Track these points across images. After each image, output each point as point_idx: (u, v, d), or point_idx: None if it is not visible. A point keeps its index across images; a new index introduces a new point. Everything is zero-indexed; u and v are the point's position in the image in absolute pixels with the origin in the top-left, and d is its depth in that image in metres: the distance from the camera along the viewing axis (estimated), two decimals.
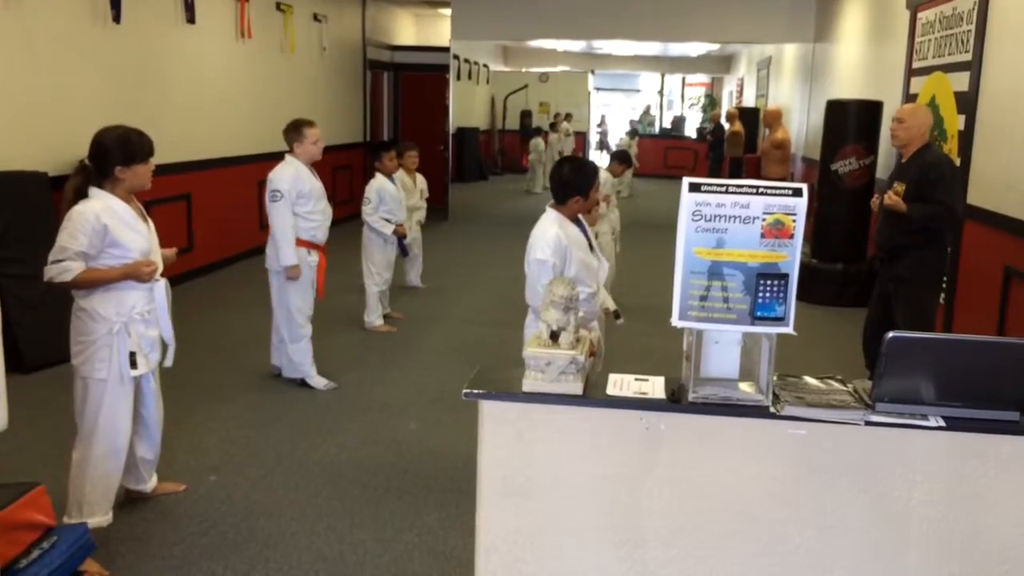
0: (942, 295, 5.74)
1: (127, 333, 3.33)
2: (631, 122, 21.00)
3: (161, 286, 3.44)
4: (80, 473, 3.40)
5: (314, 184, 5.07)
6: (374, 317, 6.73)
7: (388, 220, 6.68)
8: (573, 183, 3.73)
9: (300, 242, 5.05)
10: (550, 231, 3.65)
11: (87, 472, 3.39)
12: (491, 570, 2.33)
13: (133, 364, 3.37)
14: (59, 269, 3.21)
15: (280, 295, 5.15)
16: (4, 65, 5.82)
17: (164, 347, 3.58)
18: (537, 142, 18.24)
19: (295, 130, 5.07)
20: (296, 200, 4.99)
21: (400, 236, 6.79)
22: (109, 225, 3.24)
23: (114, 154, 3.30)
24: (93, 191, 3.31)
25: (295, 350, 5.20)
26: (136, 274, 3.31)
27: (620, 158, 7.93)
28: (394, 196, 6.70)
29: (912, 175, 4.73)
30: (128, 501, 3.75)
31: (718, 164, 16.51)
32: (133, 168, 3.33)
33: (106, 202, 3.29)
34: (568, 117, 20.80)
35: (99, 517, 3.41)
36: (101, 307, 3.30)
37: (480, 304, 7.73)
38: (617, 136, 21.29)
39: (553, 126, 19.65)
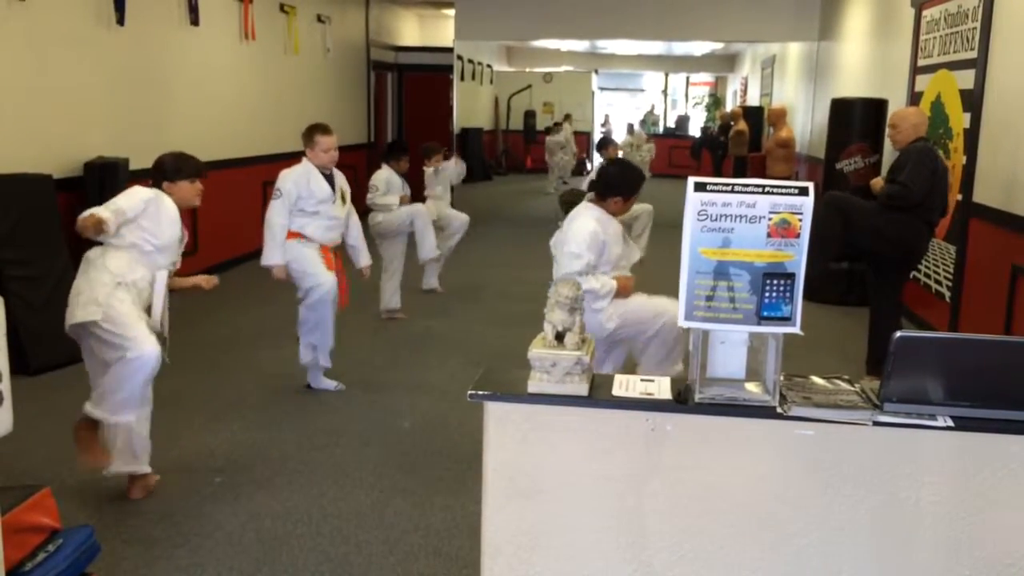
0: (928, 277, 5.73)
1: (126, 290, 3.62)
2: (628, 125, 20.91)
3: (164, 276, 3.77)
4: (116, 376, 3.60)
5: (322, 187, 5.03)
6: (396, 301, 7.00)
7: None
8: (618, 184, 4.01)
9: (293, 234, 5.00)
10: (588, 226, 3.90)
11: (124, 375, 3.58)
12: (497, 572, 2.32)
13: None
14: (90, 211, 3.56)
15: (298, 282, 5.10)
16: (8, 67, 5.82)
17: (162, 340, 3.72)
18: (550, 142, 18.11)
19: (308, 136, 5.08)
20: (298, 199, 4.98)
21: (404, 203, 7.05)
22: (156, 203, 3.71)
23: (161, 171, 3.84)
24: (155, 190, 3.81)
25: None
26: (101, 228, 3.53)
27: (603, 144, 8.54)
28: (398, 189, 7.01)
29: (892, 165, 5.26)
30: (133, 502, 3.75)
31: (720, 163, 16.50)
32: (178, 183, 3.83)
33: (163, 195, 3.79)
34: (567, 118, 20.79)
35: (127, 416, 3.64)
36: (109, 263, 3.63)
37: (485, 304, 7.72)
38: (619, 136, 21.23)
39: (558, 125, 19.59)
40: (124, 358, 3.52)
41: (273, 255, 4.96)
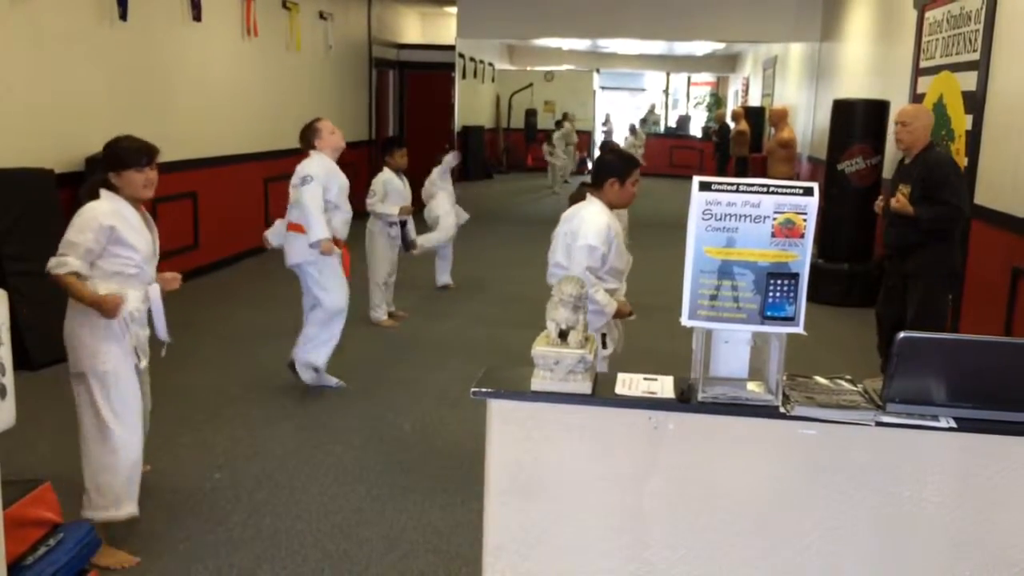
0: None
1: (127, 328, 3.32)
2: (631, 126, 20.88)
3: (156, 289, 3.44)
4: (107, 469, 3.33)
5: (343, 180, 5.01)
6: (380, 313, 6.79)
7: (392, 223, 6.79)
8: (612, 165, 3.86)
9: None
10: (601, 219, 3.73)
11: (116, 467, 3.33)
12: (499, 569, 2.32)
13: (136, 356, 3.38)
14: (58, 262, 3.24)
15: (312, 289, 5.03)
16: (11, 63, 5.82)
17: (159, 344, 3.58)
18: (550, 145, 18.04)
19: (310, 130, 5.04)
20: (324, 190, 4.89)
21: (404, 219, 6.80)
22: (116, 227, 3.29)
23: (108, 160, 3.38)
24: (103, 193, 3.36)
25: (320, 344, 5.10)
26: (102, 307, 3.23)
27: (605, 147, 8.29)
28: (399, 191, 6.79)
29: (916, 176, 4.79)
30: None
31: (723, 164, 16.50)
32: (123, 175, 3.34)
33: (114, 204, 3.34)
34: (567, 116, 20.75)
35: (128, 508, 3.37)
36: (101, 288, 3.29)
37: (485, 303, 7.72)
38: (621, 136, 21.26)
39: (560, 124, 19.60)
40: (107, 446, 3.32)
41: (321, 230, 4.83)
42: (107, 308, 3.24)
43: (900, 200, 4.74)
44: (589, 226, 3.68)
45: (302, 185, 4.89)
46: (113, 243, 3.29)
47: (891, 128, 7.75)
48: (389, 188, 6.72)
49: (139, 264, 3.36)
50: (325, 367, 5.20)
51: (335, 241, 4.98)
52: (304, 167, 4.95)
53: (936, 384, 2.13)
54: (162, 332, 3.50)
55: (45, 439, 4.28)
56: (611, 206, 3.84)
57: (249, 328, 6.55)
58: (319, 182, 4.88)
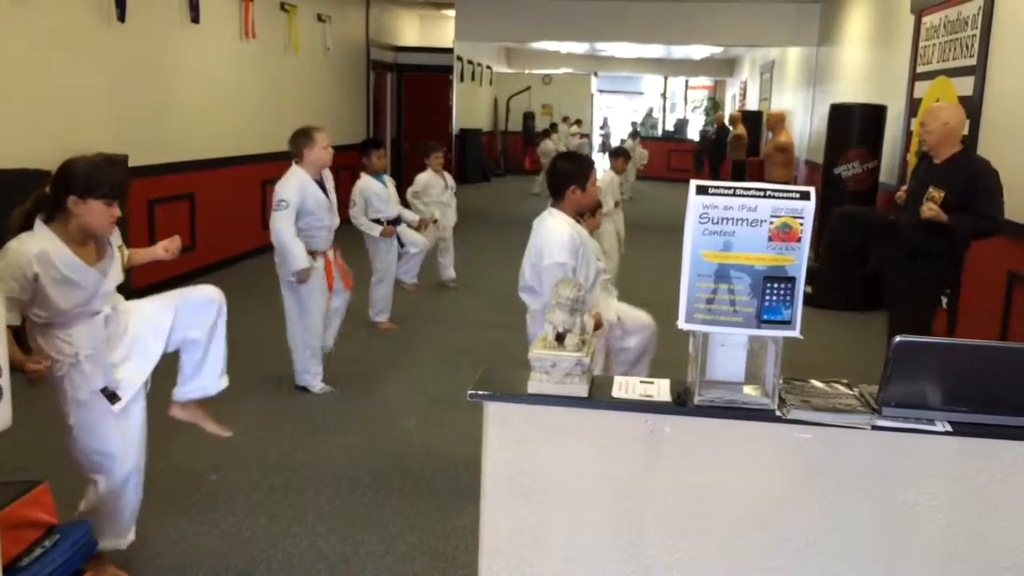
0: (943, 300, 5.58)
1: (84, 368, 2.96)
2: (632, 123, 21.06)
3: (99, 321, 2.97)
4: (102, 504, 3.14)
5: (318, 197, 4.94)
6: (378, 315, 6.78)
7: (379, 221, 6.55)
8: (569, 172, 3.69)
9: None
10: (564, 232, 3.58)
11: (108, 505, 3.15)
12: (495, 571, 2.33)
13: (113, 399, 3.01)
14: None
15: (292, 302, 5.11)
16: (9, 64, 5.82)
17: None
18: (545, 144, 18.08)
19: (304, 135, 4.90)
20: (301, 213, 4.89)
21: (386, 236, 6.61)
22: (40, 275, 2.76)
23: (74, 182, 2.79)
24: (38, 225, 2.81)
25: (300, 358, 5.18)
26: (25, 374, 2.81)
27: (618, 153, 8.18)
28: (380, 195, 6.55)
29: (953, 182, 4.47)
30: None
31: (717, 167, 16.55)
32: (89, 203, 2.79)
33: (44, 246, 2.77)
34: (578, 122, 20.76)
35: (124, 538, 3.23)
36: (48, 349, 2.95)
37: (482, 305, 7.72)
38: (619, 139, 21.33)
39: (555, 126, 19.66)
40: (107, 478, 3.07)
41: (301, 259, 4.86)
42: (33, 378, 2.81)
43: (933, 209, 4.36)
44: (554, 241, 3.56)
45: (275, 211, 4.88)
46: (41, 292, 2.78)
47: (889, 130, 7.82)
48: (368, 194, 6.49)
49: (82, 308, 2.90)
50: (319, 376, 5.26)
51: (312, 253, 4.99)
52: (279, 190, 4.89)
53: (932, 388, 2.14)
54: (119, 352, 3.09)
55: (41, 440, 4.27)
56: (577, 213, 3.73)
57: (246, 329, 6.51)
58: (292, 208, 4.84)
